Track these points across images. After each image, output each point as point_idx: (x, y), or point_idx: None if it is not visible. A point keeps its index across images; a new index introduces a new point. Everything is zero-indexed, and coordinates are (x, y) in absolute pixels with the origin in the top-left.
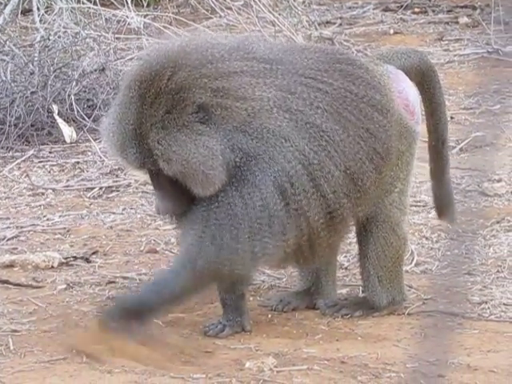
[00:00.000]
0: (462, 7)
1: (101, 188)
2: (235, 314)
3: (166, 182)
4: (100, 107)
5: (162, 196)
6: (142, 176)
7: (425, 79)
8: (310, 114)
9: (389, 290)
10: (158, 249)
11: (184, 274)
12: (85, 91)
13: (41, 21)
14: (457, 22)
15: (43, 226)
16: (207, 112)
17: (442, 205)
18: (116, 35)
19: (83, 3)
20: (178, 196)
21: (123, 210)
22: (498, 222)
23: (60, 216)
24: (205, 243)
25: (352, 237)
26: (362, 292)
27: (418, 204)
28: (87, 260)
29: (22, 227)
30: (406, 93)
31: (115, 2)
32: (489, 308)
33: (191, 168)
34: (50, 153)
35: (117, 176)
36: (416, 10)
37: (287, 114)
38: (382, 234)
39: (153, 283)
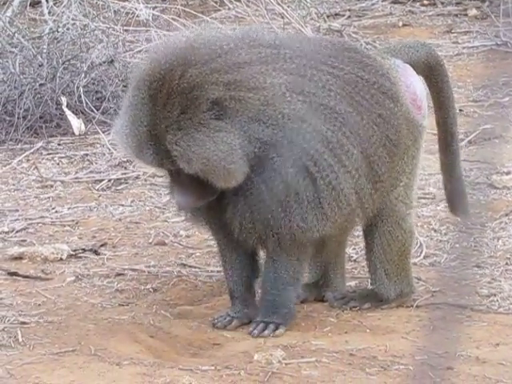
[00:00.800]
0: None
1: (109, 180)
2: (243, 306)
3: (186, 179)
4: (109, 99)
5: (182, 192)
6: (151, 168)
7: (433, 73)
8: (323, 96)
9: (396, 282)
10: (166, 241)
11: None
12: (93, 83)
13: (49, 13)
14: (466, 15)
15: (52, 218)
16: (222, 107)
17: (454, 199)
18: (125, 27)
19: None
20: (199, 190)
21: (132, 202)
22: (506, 215)
23: (69, 208)
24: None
25: (360, 229)
26: (371, 284)
27: (427, 196)
28: (96, 252)
29: (30, 219)
30: (414, 87)
31: None
32: (497, 300)
33: (212, 165)
34: (58, 145)
35: (125, 168)
36: (425, 2)
37: (301, 96)
38: (388, 229)
39: (277, 284)
